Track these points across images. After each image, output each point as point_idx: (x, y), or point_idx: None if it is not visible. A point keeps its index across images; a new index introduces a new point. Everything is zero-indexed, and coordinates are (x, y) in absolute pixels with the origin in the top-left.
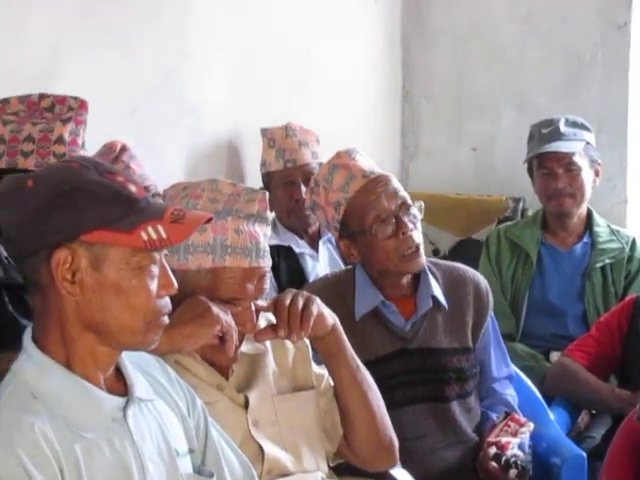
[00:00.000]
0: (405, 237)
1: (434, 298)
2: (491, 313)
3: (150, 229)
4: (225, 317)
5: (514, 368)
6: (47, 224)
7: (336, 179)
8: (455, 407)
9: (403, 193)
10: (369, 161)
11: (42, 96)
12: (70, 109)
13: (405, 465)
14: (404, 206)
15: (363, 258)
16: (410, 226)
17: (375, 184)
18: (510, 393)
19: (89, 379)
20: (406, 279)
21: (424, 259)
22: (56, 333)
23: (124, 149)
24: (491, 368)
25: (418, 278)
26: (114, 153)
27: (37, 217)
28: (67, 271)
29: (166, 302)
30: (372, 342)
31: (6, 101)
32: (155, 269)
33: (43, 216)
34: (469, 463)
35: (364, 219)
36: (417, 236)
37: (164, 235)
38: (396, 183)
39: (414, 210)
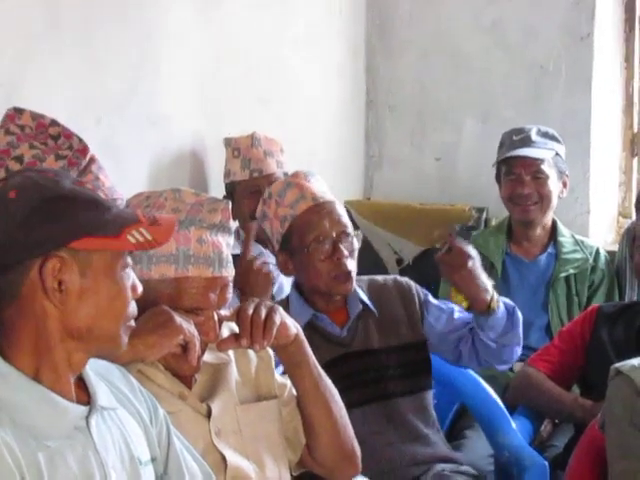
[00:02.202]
0: (339, 262)
1: (363, 303)
2: (427, 300)
3: (135, 232)
4: (188, 326)
5: (476, 377)
6: (35, 234)
7: (288, 195)
8: (403, 403)
9: (345, 221)
10: (323, 186)
11: (53, 122)
12: (70, 148)
13: (366, 460)
14: (343, 234)
15: (297, 273)
16: (345, 253)
17: (321, 208)
18: None
19: (57, 389)
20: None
21: (353, 286)
22: (29, 344)
23: (92, 160)
24: (462, 318)
25: None
26: (81, 164)
27: (24, 227)
28: (54, 280)
29: (134, 306)
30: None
31: (20, 112)
32: (129, 272)
33: (31, 226)
34: (428, 459)
35: (304, 237)
36: (350, 264)
37: (149, 237)
38: (341, 211)
39: (353, 240)
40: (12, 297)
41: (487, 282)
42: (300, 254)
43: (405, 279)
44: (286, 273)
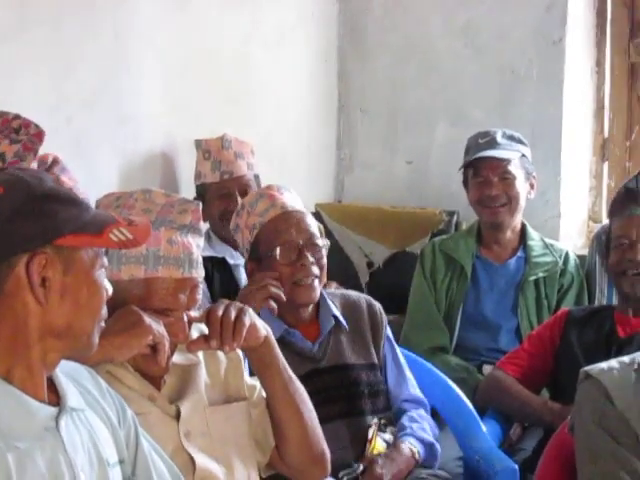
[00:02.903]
0: (303, 267)
1: (335, 318)
2: (388, 334)
3: (116, 231)
4: (157, 327)
5: (446, 379)
6: (23, 230)
7: (259, 205)
8: (377, 421)
9: (314, 230)
10: (296, 199)
11: (16, 117)
12: (26, 134)
13: (336, 472)
14: (310, 242)
15: None
16: (311, 259)
17: (290, 216)
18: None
19: (28, 389)
20: (305, 310)
21: (316, 295)
22: (3, 343)
23: (56, 162)
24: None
25: (318, 305)
26: (45, 165)
27: (12, 223)
28: (39, 276)
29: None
30: None
31: None
32: (104, 272)
33: (19, 222)
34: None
35: (271, 244)
36: (315, 271)
37: (130, 236)
38: (310, 220)
39: (321, 251)
40: None
41: (401, 456)
42: (266, 261)
43: (379, 306)
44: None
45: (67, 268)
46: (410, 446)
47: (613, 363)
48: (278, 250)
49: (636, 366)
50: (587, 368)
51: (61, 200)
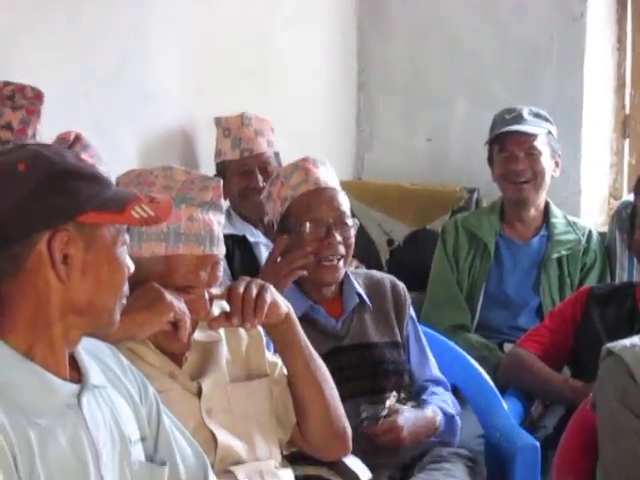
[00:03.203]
0: (330, 246)
1: (359, 296)
2: (412, 314)
3: (137, 208)
4: (178, 304)
5: (467, 357)
6: (45, 207)
7: (293, 177)
8: (396, 394)
9: (344, 209)
10: (331, 174)
11: (6, 84)
12: (24, 98)
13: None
14: (340, 221)
15: None
16: (339, 238)
17: (322, 192)
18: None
19: (51, 366)
20: (329, 288)
21: (340, 275)
22: (25, 320)
23: (78, 139)
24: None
25: (342, 283)
26: (67, 143)
27: (34, 200)
28: (61, 253)
29: (126, 284)
30: None
31: None
32: (126, 249)
33: (41, 199)
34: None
35: (300, 219)
36: (342, 250)
37: (152, 213)
38: (342, 199)
39: (350, 230)
40: (14, 271)
41: (423, 417)
42: (294, 234)
43: (402, 286)
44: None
45: (89, 245)
46: (433, 412)
47: (636, 340)
48: (307, 225)
49: None
50: (609, 345)
51: (83, 177)
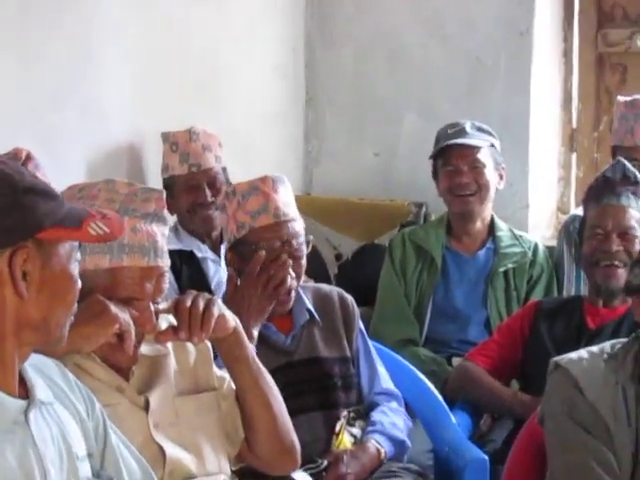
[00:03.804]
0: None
1: (309, 312)
2: (361, 327)
3: (93, 225)
4: (123, 315)
5: (416, 371)
6: (7, 224)
7: (251, 202)
8: (346, 414)
9: (301, 241)
10: (289, 198)
11: None
12: None
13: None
14: (295, 252)
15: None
16: (292, 274)
17: (280, 227)
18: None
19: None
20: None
21: (290, 304)
22: None
23: (29, 158)
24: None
25: None
26: (19, 161)
27: None
28: (20, 270)
29: None
30: None
31: None
32: (77, 265)
33: (2, 216)
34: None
35: (256, 244)
36: (293, 284)
37: (107, 229)
38: (299, 228)
39: (303, 255)
40: None
41: (367, 457)
42: (249, 255)
43: (351, 299)
44: (231, 283)
45: (45, 262)
46: (377, 445)
47: (583, 353)
48: (263, 253)
49: (605, 356)
50: (557, 358)
51: (41, 193)
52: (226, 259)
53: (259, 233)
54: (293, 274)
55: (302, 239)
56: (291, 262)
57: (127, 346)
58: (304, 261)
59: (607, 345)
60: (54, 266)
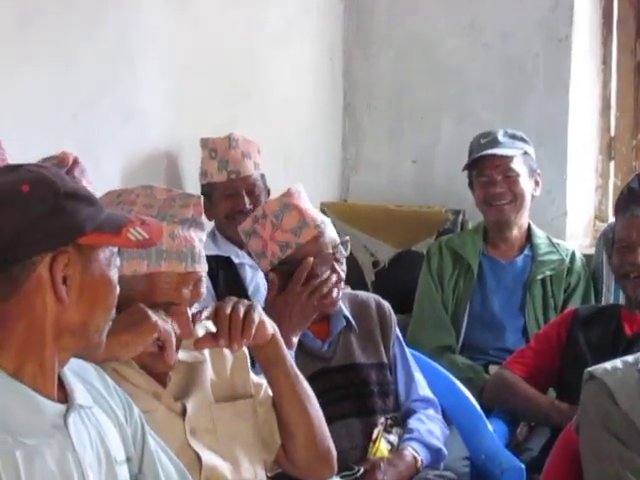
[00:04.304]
0: (335, 285)
1: (346, 318)
2: (398, 334)
3: (132, 230)
4: (164, 324)
5: (453, 379)
6: (48, 229)
7: (287, 219)
8: (383, 421)
9: (338, 242)
10: (308, 200)
11: None
12: None
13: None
14: (337, 258)
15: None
16: (342, 275)
17: (323, 236)
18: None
19: (39, 386)
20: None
21: (337, 307)
22: (18, 341)
23: (76, 162)
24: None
25: None
26: (66, 166)
27: (38, 222)
28: (61, 275)
29: None
30: None
31: None
32: (117, 271)
33: (44, 221)
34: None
35: (304, 258)
36: (341, 286)
37: (146, 235)
38: (332, 230)
39: (344, 261)
40: (11, 292)
41: (404, 465)
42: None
43: (388, 306)
44: (272, 289)
45: (86, 267)
46: (413, 452)
47: (617, 363)
48: (311, 260)
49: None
50: (591, 369)
51: (81, 199)
52: (268, 280)
53: (307, 248)
54: (340, 284)
55: (338, 240)
56: (334, 277)
57: (167, 355)
58: (345, 264)
59: None
60: (94, 271)
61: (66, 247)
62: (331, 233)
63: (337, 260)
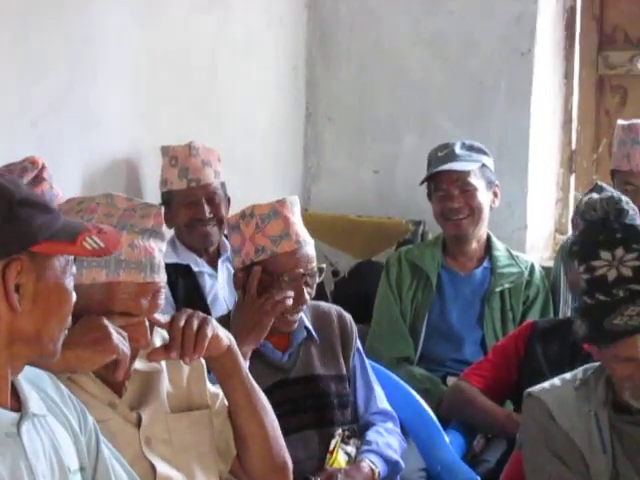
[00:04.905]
0: (298, 301)
1: (307, 329)
2: (358, 346)
3: (88, 239)
4: (122, 347)
5: (410, 390)
6: (1, 236)
7: (271, 225)
8: (341, 432)
9: (314, 264)
10: (300, 218)
11: None
12: None
13: None
14: (310, 277)
15: None
16: (306, 297)
17: (301, 252)
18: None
19: None
20: None
21: (296, 325)
22: None
23: (44, 167)
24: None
25: None
26: (36, 169)
27: None
28: (13, 282)
29: None
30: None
31: None
32: (72, 279)
33: None
34: None
35: (277, 271)
36: (304, 307)
37: (102, 244)
38: (312, 250)
39: (315, 280)
40: None
41: (369, 469)
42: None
43: (349, 317)
44: (237, 288)
45: (39, 275)
46: (371, 464)
47: (555, 382)
48: (259, 268)
49: (577, 383)
50: (529, 389)
51: (36, 206)
52: (235, 277)
53: (280, 259)
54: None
55: (315, 262)
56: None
57: (118, 373)
58: (314, 289)
59: (580, 371)
60: (48, 279)
61: (19, 255)
62: (309, 254)
63: (306, 283)
